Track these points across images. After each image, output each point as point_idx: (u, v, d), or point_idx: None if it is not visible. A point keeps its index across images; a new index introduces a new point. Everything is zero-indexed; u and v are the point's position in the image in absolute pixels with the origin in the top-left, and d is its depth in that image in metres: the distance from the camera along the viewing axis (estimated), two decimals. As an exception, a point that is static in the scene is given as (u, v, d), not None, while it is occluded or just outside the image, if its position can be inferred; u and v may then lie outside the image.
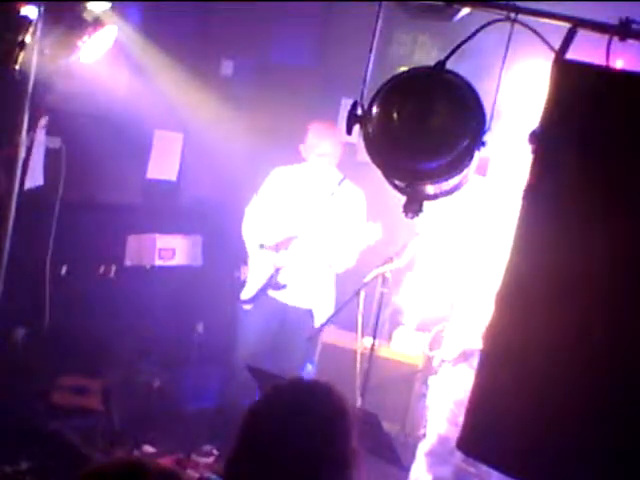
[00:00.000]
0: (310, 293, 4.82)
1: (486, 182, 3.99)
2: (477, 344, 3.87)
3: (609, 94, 2.12)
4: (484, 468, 3.87)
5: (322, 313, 4.79)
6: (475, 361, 3.86)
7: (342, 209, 4.75)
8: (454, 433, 3.97)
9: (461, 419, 3.84)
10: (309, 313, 4.82)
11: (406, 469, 4.06)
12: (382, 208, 4.58)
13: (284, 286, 4.77)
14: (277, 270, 4.77)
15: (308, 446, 1.92)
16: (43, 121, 4.09)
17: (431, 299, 4.29)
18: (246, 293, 4.87)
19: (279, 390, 2.06)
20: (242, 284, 4.90)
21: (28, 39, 3.53)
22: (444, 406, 4.08)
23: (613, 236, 2.08)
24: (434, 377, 4.18)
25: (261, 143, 5.49)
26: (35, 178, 4.29)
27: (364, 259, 4.68)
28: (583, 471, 2.08)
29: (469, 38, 2.54)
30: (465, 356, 3.98)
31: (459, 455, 3.98)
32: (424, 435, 4.16)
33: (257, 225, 4.87)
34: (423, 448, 4.13)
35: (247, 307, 4.87)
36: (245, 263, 4.93)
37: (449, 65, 2.56)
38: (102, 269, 5.34)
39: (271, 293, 4.82)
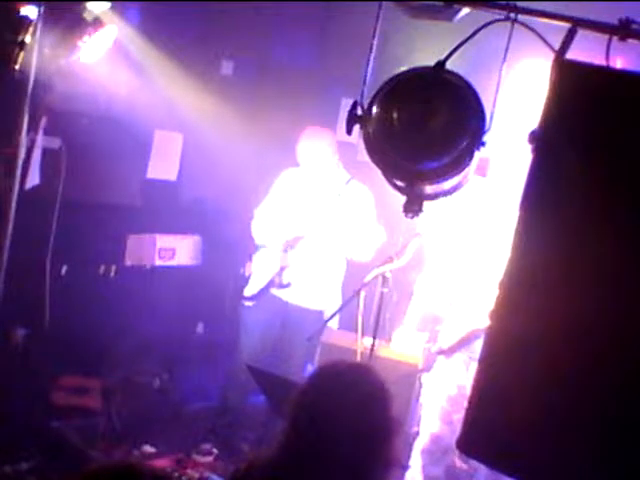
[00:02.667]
0: (316, 294, 4.83)
1: (486, 182, 4.00)
2: (476, 326, 3.88)
3: (609, 94, 2.12)
4: (475, 464, 3.88)
5: (328, 315, 4.79)
6: (474, 353, 3.87)
7: (350, 209, 4.75)
8: (447, 432, 3.99)
9: (455, 417, 3.89)
10: (320, 315, 4.81)
11: (406, 468, 4.07)
12: (382, 208, 4.59)
13: (288, 285, 4.78)
14: (282, 269, 4.78)
15: (362, 417, 2.14)
16: (42, 122, 4.09)
17: (435, 298, 4.30)
18: (249, 290, 4.88)
19: (326, 371, 2.29)
20: (246, 280, 4.91)
21: (28, 39, 3.53)
22: (437, 403, 4.08)
23: (612, 233, 2.08)
24: (427, 374, 4.19)
25: (261, 143, 5.50)
26: (32, 178, 4.29)
27: (364, 259, 4.69)
28: (586, 470, 2.08)
29: (469, 38, 2.54)
30: (462, 343, 3.99)
31: (452, 453, 3.99)
32: (417, 433, 4.16)
33: (266, 223, 4.87)
34: (417, 447, 4.13)
35: (249, 304, 4.87)
36: (250, 259, 4.93)
37: (449, 65, 2.56)
38: (102, 269, 5.34)
39: (274, 291, 4.83)
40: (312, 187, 4.82)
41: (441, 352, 4.09)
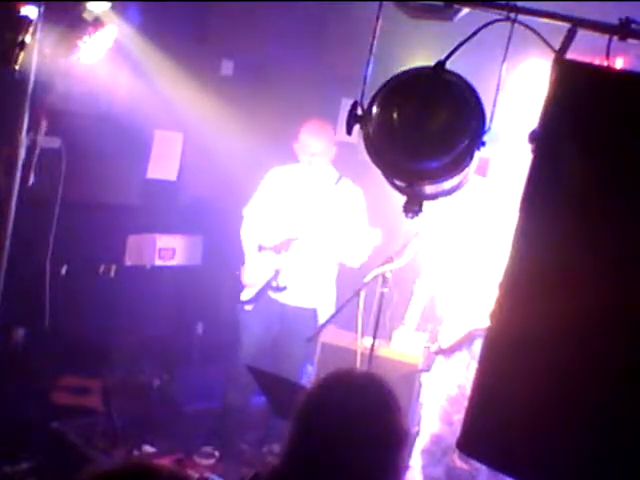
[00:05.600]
0: (312, 293, 4.82)
1: (486, 182, 4.00)
2: (476, 325, 3.89)
3: (609, 94, 2.12)
4: (475, 465, 3.88)
5: (324, 313, 4.79)
6: (476, 350, 3.87)
7: (341, 208, 4.75)
8: (447, 432, 3.99)
9: (455, 417, 3.89)
10: (313, 312, 4.81)
11: (407, 469, 4.07)
12: (382, 208, 4.58)
13: (284, 288, 4.77)
14: (277, 272, 4.77)
15: (371, 426, 2.08)
16: (42, 122, 4.09)
17: (435, 297, 4.30)
18: (246, 294, 4.87)
19: (335, 378, 2.20)
20: (242, 284, 4.90)
21: (28, 39, 3.53)
22: (437, 403, 4.08)
23: (612, 233, 2.08)
24: (427, 374, 4.19)
25: (261, 143, 5.49)
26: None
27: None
28: (585, 470, 2.08)
29: (469, 38, 2.54)
30: (462, 343, 3.99)
31: (453, 453, 3.99)
32: (417, 433, 4.17)
33: (256, 226, 4.87)
34: (417, 447, 4.13)
35: (248, 308, 4.87)
36: (243, 263, 4.93)
37: (449, 65, 2.56)
38: (102, 269, 5.34)
39: (270, 294, 4.82)
40: (302, 186, 4.81)
41: (440, 352, 4.09)
